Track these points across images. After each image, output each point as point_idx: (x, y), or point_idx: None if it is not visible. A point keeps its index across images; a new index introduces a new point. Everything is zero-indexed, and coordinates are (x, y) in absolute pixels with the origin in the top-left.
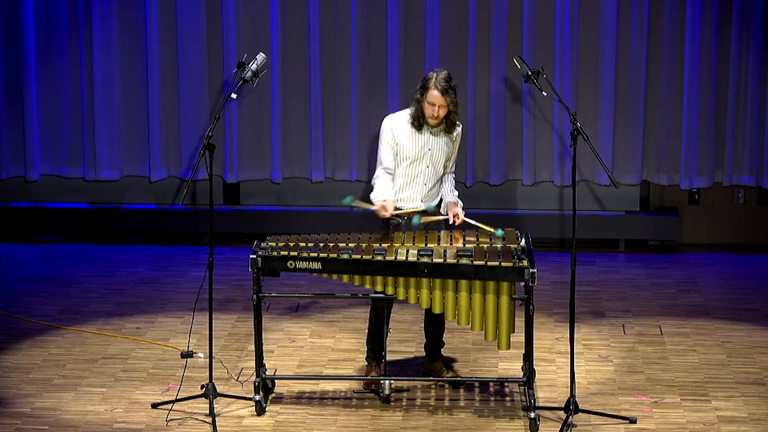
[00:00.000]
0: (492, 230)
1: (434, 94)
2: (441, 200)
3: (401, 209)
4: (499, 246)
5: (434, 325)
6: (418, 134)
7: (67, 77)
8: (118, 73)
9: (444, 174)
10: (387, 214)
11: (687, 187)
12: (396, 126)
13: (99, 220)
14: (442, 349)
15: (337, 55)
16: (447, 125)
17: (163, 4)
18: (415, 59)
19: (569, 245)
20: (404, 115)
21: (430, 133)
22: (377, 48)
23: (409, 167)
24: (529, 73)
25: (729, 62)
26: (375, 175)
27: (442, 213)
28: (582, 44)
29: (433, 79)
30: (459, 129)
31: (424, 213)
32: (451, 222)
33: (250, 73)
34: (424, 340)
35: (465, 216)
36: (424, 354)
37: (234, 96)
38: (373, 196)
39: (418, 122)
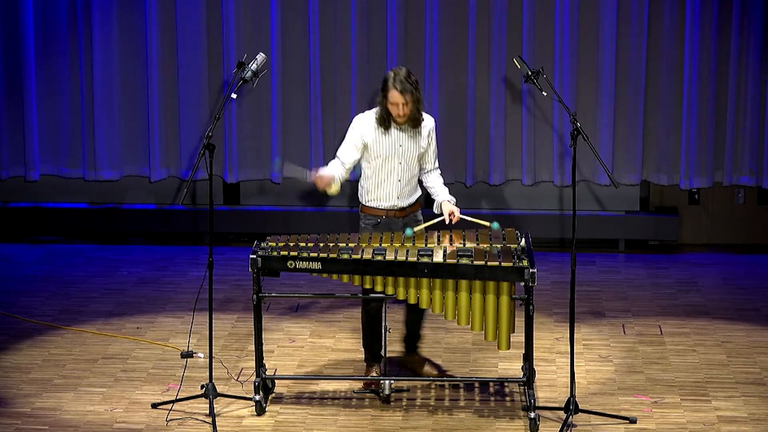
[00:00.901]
0: (488, 224)
1: (394, 95)
2: (417, 201)
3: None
4: (499, 246)
5: (415, 318)
6: (386, 132)
7: (67, 77)
8: (118, 73)
9: (424, 171)
10: (320, 184)
11: (687, 187)
12: (364, 126)
13: (99, 220)
14: (419, 342)
15: (337, 54)
16: (411, 120)
17: (163, 4)
18: (415, 59)
19: (569, 245)
20: (374, 114)
21: (399, 129)
22: (377, 48)
23: (382, 165)
24: (529, 73)
25: (729, 62)
26: (331, 162)
27: (435, 212)
28: (582, 44)
29: (391, 80)
30: (431, 124)
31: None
32: (447, 221)
33: (250, 73)
34: (404, 333)
35: (461, 213)
36: (421, 354)
37: (234, 96)
38: (320, 170)
39: (386, 122)
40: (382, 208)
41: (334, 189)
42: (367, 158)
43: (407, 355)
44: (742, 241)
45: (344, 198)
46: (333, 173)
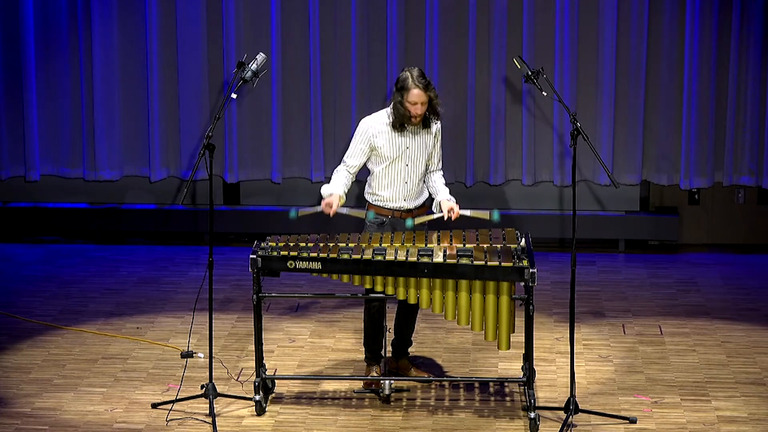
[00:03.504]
0: (488, 216)
1: (416, 93)
2: (425, 200)
3: (346, 208)
4: (498, 246)
5: (406, 323)
6: (396, 134)
7: (67, 77)
8: (118, 73)
9: (429, 171)
10: (331, 211)
11: (687, 187)
12: (373, 129)
13: (99, 220)
14: (409, 348)
15: (337, 55)
16: (428, 119)
17: (163, 4)
18: (416, 59)
19: (569, 245)
20: (381, 116)
21: (408, 131)
22: (377, 48)
23: (388, 167)
24: (529, 73)
25: (729, 62)
26: (336, 170)
27: (434, 211)
28: (582, 44)
29: (410, 79)
30: (438, 125)
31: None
32: (446, 218)
33: (250, 73)
34: (392, 337)
35: (460, 209)
36: (417, 354)
37: (234, 96)
38: (323, 189)
39: (402, 124)
40: (389, 208)
41: (340, 204)
42: (375, 160)
43: (396, 360)
44: (742, 241)
45: (347, 198)
46: (338, 190)
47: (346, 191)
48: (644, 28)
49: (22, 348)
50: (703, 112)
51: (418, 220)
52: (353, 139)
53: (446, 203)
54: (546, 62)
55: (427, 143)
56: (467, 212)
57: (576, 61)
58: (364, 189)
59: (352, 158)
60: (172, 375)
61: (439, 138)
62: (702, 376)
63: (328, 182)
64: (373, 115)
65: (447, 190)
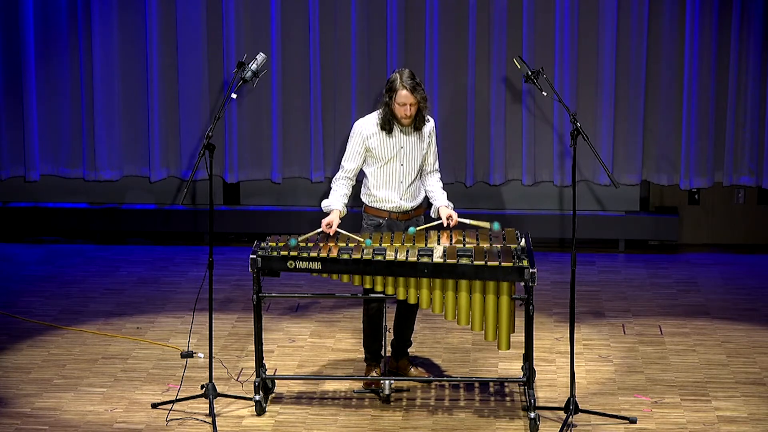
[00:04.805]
0: (488, 225)
1: (404, 94)
2: (420, 205)
3: (341, 232)
4: (498, 246)
5: (405, 324)
6: (388, 136)
7: (67, 77)
8: (118, 73)
9: (425, 173)
10: (331, 231)
11: (687, 187)
12: (366, 130)
13: (99, 220)
14: (409, 348)
15: (337, 54)
16: (417, 121)
17: (163, 4)
18: (415, 59)
19: (569, 245)
20: (374, 118)
21: (401, 132)
22: (377, 48)
23: (383, 167)
24: (529, 73)
25: (729, 62)
26: (335, 178)
27: (432, 217)
28: (582, 44)
29: (399, 80)
30: (431, 124)
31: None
32: (445, 225)
33: (250, 73)
34: (392, 338)
35: (458, 216)
36: (417, 354)
37: (234, 96)
38: (323, 203)
39: (389, 125)
40: (386, 209)
41: (341, 216)
42: (369, 161)
43: (396, 360)
44: (742, 241)
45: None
46: (337, 205)
47: (346, 202)
48: (644, 28)
49: (22, 348)
50: (703, 112)
51: (419, 228)
52: (348, 142)
53: (444, 210)
54: (546, 62)
55: (421, 143)
56: (467, 221)
57: (576, 61)
58: (360, 191)
59: (349, 161)
60: (172, 375)
61: (434, 138)
62: (702, 376)
63: (329, 181)
64: (366, 117)
65: (445, 195)
